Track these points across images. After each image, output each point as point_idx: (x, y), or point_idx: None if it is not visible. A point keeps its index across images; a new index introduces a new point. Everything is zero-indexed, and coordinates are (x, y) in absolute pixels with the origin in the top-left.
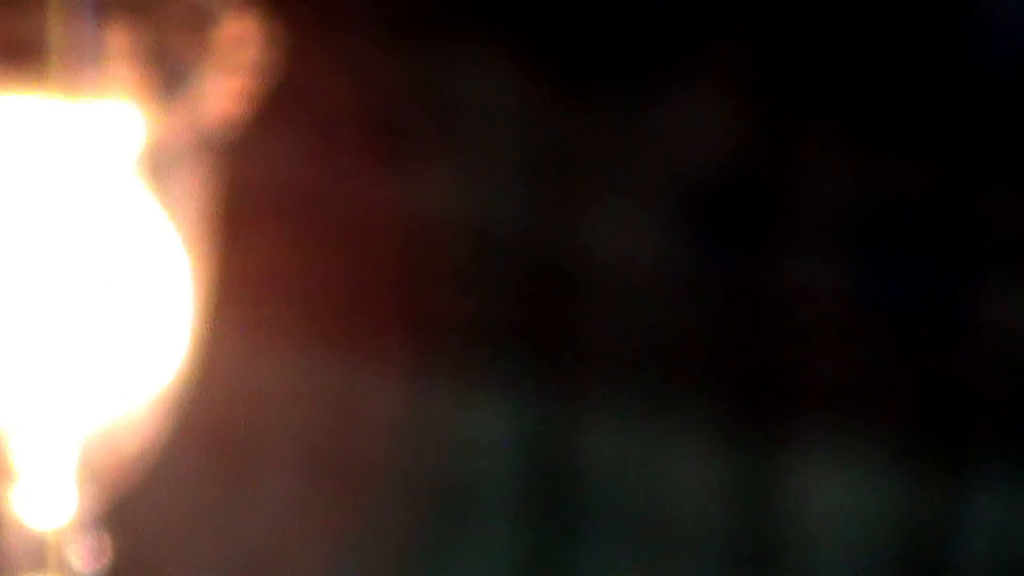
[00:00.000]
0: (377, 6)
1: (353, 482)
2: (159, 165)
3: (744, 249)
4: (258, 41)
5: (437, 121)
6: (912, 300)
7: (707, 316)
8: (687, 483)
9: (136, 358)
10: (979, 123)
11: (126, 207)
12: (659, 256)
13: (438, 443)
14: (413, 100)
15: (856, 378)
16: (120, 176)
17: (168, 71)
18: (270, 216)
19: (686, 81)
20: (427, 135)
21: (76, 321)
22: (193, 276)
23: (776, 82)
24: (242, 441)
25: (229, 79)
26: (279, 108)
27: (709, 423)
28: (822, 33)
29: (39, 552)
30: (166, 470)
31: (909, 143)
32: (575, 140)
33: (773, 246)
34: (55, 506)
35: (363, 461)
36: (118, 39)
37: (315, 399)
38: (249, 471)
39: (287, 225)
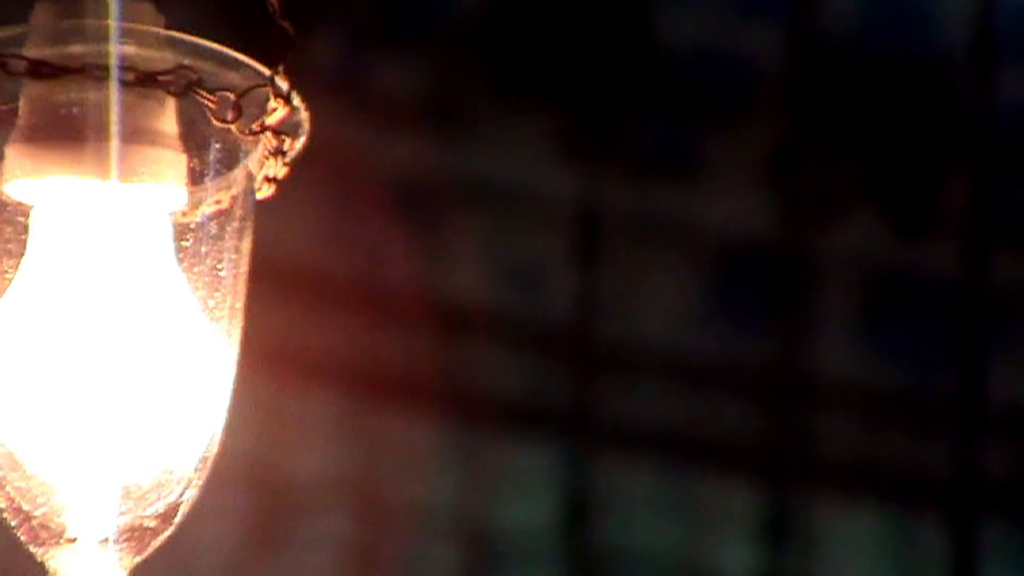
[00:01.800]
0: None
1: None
2: (198, 242)
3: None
4: (298, 125)
5: (474, 203)
6: (929, 379)
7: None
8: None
9: (176, 420)
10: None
11: (162, 281)
12: (694, 338)
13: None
14: (452, 183)
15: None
16: (159, 252)
17: (210, 152)
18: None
19: (717, 166)
20: (464, 216)
21: (116, 384)
22: (228, 341)
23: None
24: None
25: (269, 161)
26: (316, 187)
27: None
28: (847, 121)
29: None
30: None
31: (931, 226)
32: (614, 224)
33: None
34: (99, 563)
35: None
36: (163, 121)
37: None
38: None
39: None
